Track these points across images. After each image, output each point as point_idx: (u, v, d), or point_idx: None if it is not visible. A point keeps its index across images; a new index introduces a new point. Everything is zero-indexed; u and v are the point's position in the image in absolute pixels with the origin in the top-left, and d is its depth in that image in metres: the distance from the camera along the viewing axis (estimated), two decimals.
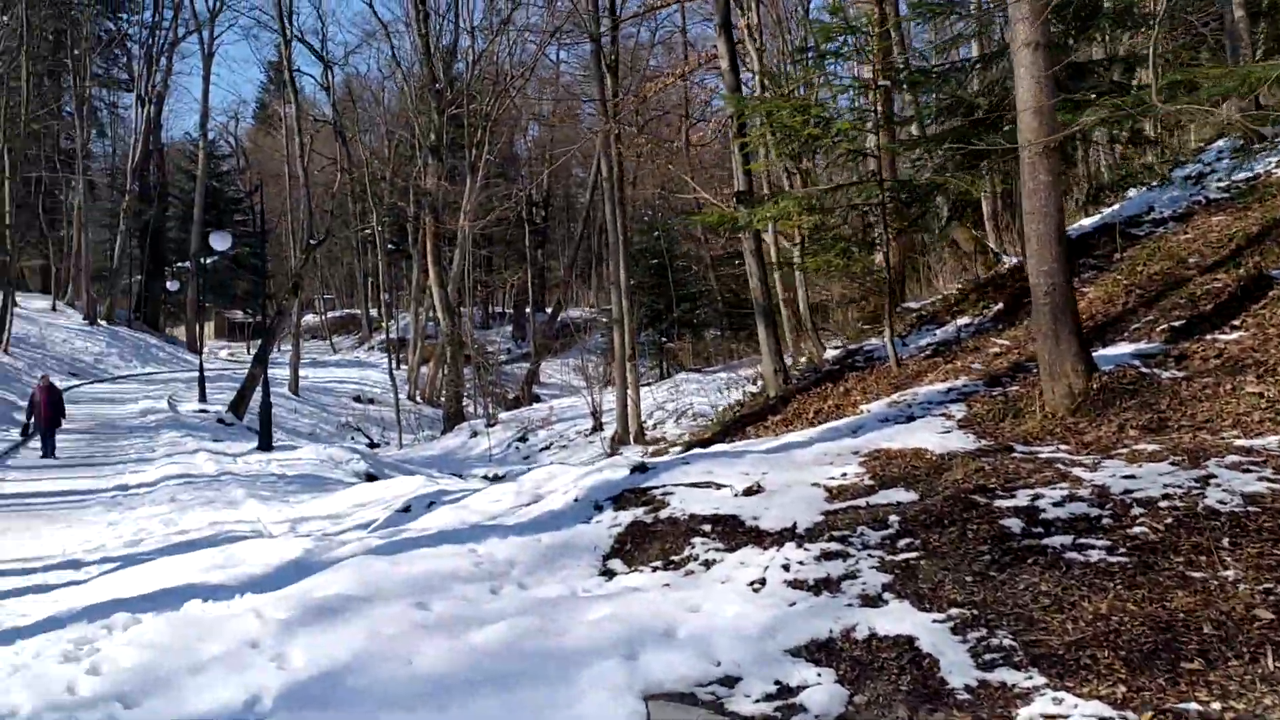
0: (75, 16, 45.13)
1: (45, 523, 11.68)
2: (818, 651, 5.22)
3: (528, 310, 55.52)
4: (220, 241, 21.25)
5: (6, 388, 29.21)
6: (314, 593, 6.55)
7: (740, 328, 33.51)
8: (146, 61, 53.80)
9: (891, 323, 12.31)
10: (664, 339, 33.87)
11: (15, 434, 21.28)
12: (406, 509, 9.88)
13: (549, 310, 50.72)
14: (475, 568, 7.14)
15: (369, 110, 54.54)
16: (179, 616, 6.49)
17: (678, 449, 13.84)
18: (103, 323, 50.96)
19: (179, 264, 58.11)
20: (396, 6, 70.05)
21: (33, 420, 19.08)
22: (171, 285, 47.15)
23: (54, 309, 50.26)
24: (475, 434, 27.84)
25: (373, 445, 28.99)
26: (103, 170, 59.51)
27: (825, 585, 5.93)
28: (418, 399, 40.18)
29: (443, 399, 36.93)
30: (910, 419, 9.25)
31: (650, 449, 17.01)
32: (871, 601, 5.60)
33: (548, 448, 25.10)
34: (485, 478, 14.26)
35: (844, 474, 7.84)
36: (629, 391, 20.49)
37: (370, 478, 17.17)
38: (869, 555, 6.16)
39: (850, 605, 5.59)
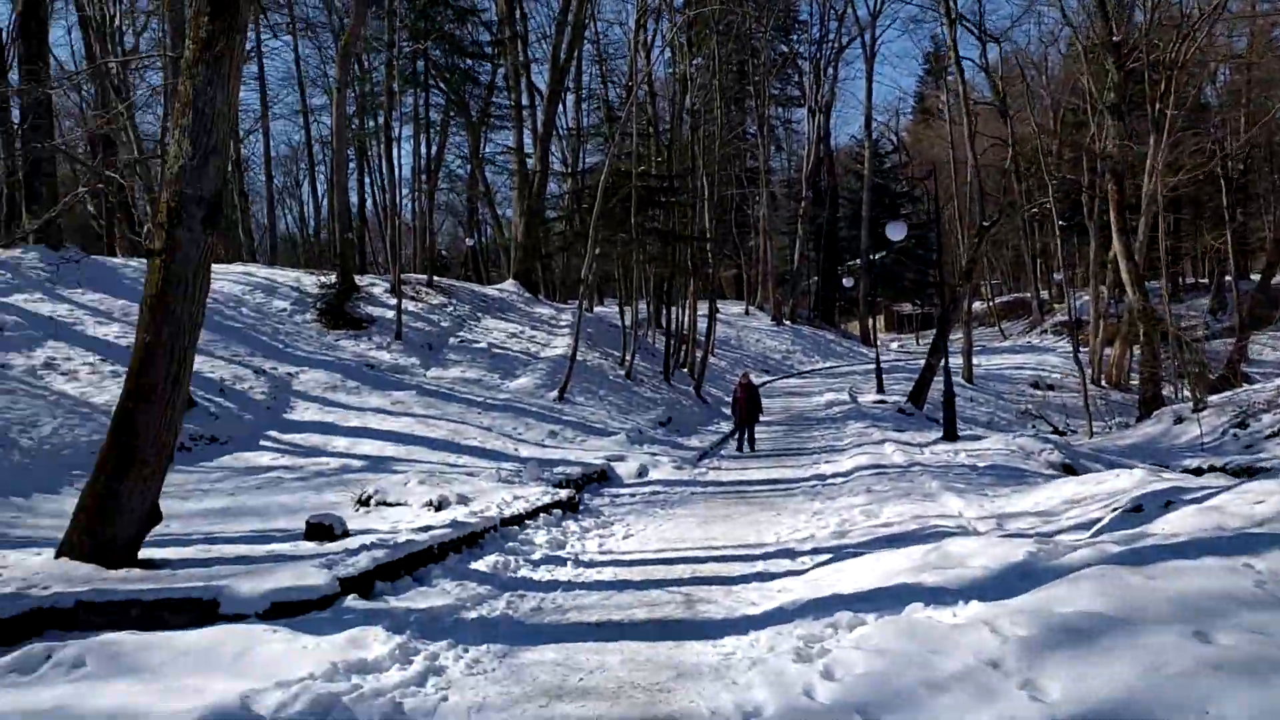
0: (754, 46, 49.61)
1: (759, 510, 12.33)
2: None
3: (1228, 278, 48.42)
4: (896, 231, 21.35)
5: (713, 384, 32.80)
6: (1054, 607, 5.62)
7: None
8: (815, 75, 57.62)
9: None
10: None
11: (726, 427, 23.59)
12: (1137, 508, 8.48)
13: (1255, 276, 43.62)
14: (1258, 589, 5.61)
15: (1030, 83, 52.02)
16: (903, 621, 6.01)
17: None
18: (786, 322, 55.49)
19: (850, 261, 61.09)
20: None
21: (735, 415, 20.89)
22: (846, 282, 49.61)
23: (746, 313, 55.96)
24: (1179, 420, 24.56)
25: (1058, 433, 27.10)
26: (780, 182, 64.97)
27: None
28: (1102, 383, 37.09)
29: (1133, 382, 33.57)
30: None
31: None
32: None
33: (1276, 434, 21.15)
34: (1224, 470, 12.04)
35: None
36: None
37: (1068, 469, 15.78)
38: None
39: None
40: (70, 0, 32.51)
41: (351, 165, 41.22)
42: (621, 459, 16.71)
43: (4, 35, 23.75)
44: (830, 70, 58.60)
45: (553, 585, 8.22)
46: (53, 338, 16.41)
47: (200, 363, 13.57)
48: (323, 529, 9.13)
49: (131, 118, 19.15)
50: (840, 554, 8.69)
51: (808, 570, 8.27)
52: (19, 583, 7.14)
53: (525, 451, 16.67)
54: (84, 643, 5.96)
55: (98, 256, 23.97)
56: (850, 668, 5.30)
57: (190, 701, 5.09)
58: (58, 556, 7.84)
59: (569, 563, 9.19)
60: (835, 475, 15.12)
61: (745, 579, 8.23)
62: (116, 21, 28.07)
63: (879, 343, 48.42)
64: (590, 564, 9.18)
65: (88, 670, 5.65)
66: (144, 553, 8.06)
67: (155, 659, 5.78)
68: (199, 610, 6.75)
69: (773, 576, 8.24)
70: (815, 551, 9.12)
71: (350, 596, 7.21)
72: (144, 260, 12.31)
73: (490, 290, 33.89)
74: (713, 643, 6.28)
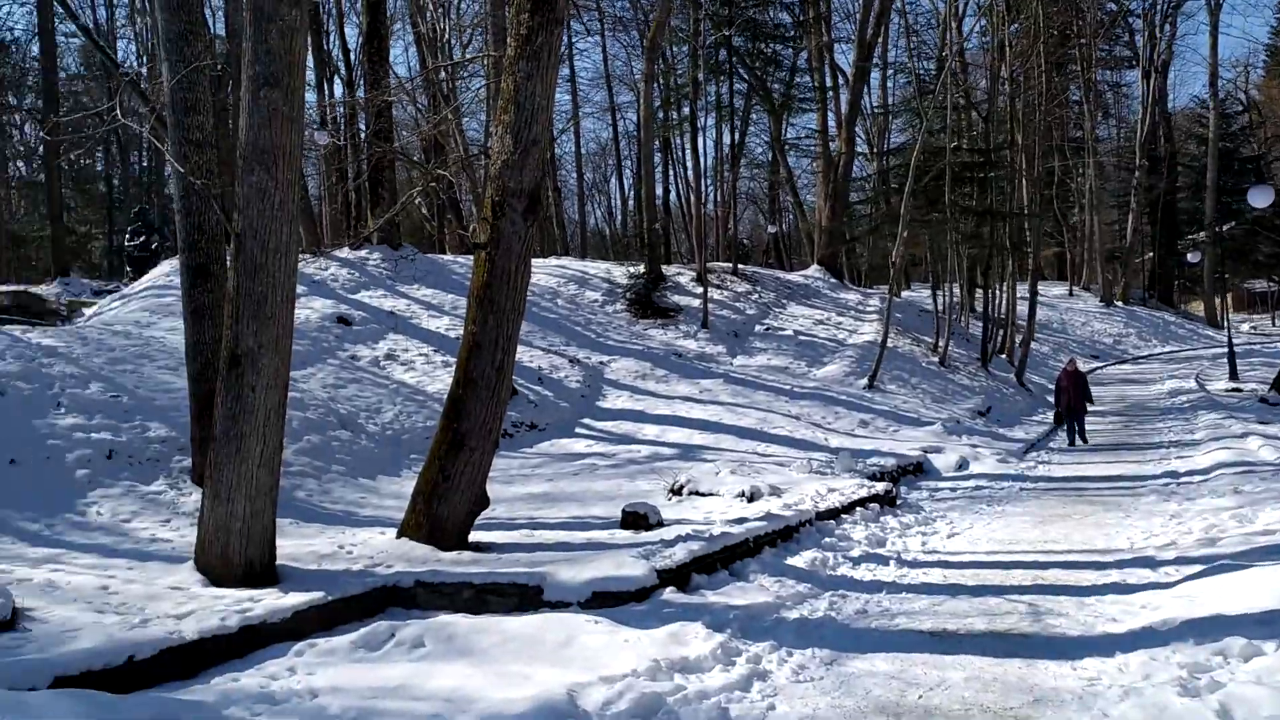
0: (1080, 7, 45.69)
1: (1102, 510, 11.12)
2: None
3: None
4: (1261, 197, 18.72)
5: (1035, 371, 30.53)
6: None
7: None
8: (1148, 32, 52.42)
9: None
10: None
11: (1050, 417, 21.81)
12: None
13: None
14: None
15: None
16: None
17: None
18: (1118, 303, 50.97)
19: (1192, 235, 55.13)
20: None
21: (1061, 404, 19.23)
22: (1192, 258, 44.50)
23: (1070, 293, 51.89)
24: None
25: None
26: (1109, 150, 59.61)
27: None
28: None
29: None
30: None
31: None
32: None
33: None
34: None
35: None
36: None
37: None
38: None
39: None
40: (407, 20, 35.38)
41: (656, 157, 42.08)
42: (938, 450, 15.76)
43: (354, 56, 26.15)
44: (1167, 26, 53.00)
45: (876, 586, 7.70)
46: (392, 330, 17.77)
47: (521, 352, 14.06)
48: (638, 518, 9.10)
49: (459, 122, 20.41)
50: (1213, 565, 7.53)
51: (1176, 583, 7.21)
52: (366, 560, 7.58)
53: (835, 441, 16.11)
54: (424, 623, 6.17)
55: (430, 254, 25.88)
56: (1254, 708, 4.43)
57: (519, 690, 5.07)
58: (399, 536, 8.28)
59: (891, 562, 8.62)
60: (1191, 472, 13.43)
61: (1099, 590, 7.31)
62: (445, 35, 30.16)
63: (1229, 324, 43.36)
64: (915, 564, 8.56)
65: (426, 650, 5.82)
66: (473, 535, 8.35)
67: (485, 643, 5.87)
68: (523, 596, 6.85)
69: (1132, 589, 7.27)
70: (1180, 561, 7.99)
71: (667, 589, 7.06)
72: (470, 256, 12.93)
73: (794, 276, 33.42)
74: (1070, 664, 5.53)
